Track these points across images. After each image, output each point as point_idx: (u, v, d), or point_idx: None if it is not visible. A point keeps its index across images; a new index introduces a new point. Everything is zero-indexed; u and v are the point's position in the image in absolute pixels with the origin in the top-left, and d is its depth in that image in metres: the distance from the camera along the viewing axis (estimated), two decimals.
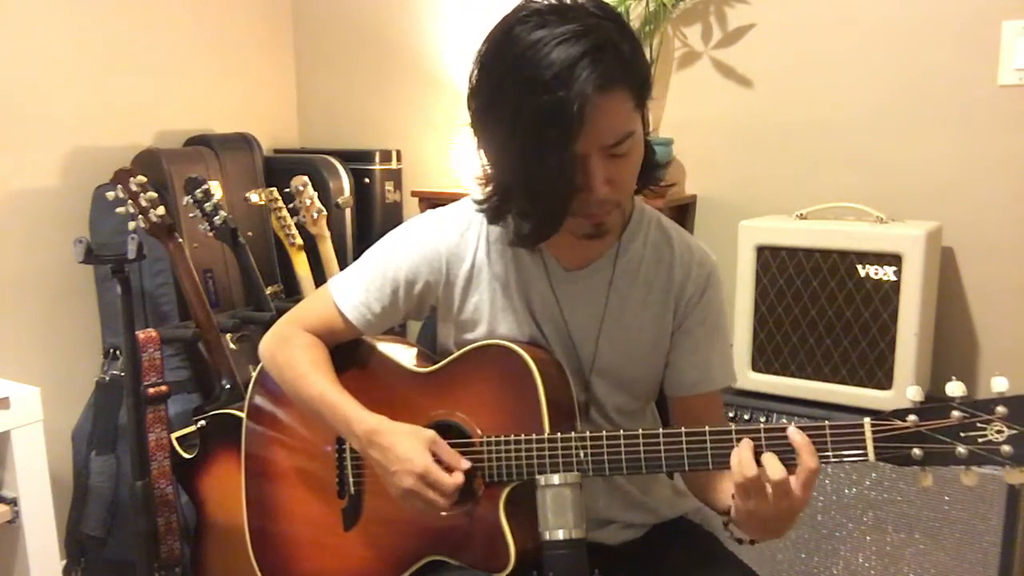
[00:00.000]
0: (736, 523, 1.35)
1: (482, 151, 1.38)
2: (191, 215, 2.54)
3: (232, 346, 2.64)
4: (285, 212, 2.83)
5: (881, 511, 2.16)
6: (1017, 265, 2.34)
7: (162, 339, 2.45)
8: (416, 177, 3.30)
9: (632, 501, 1.59)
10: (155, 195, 2.42)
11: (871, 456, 1.19)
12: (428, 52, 3.24)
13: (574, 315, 1.51)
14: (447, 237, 1.53)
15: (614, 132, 1.28)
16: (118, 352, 2.71)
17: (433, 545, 1.47)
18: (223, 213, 2.55)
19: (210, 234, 2.56)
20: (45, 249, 2.78)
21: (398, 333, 1.73)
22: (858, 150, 2.52)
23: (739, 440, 1.26)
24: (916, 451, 1.17)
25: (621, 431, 1.33)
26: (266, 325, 1.85)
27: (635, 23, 2.64)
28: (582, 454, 1.34)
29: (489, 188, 1.43)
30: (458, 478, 1.37)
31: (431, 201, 2.87)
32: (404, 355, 1.60)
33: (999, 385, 1.13)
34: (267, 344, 1.62)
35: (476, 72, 1.32)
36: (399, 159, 3.29)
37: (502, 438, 1.39)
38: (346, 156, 3.21)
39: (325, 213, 2.85)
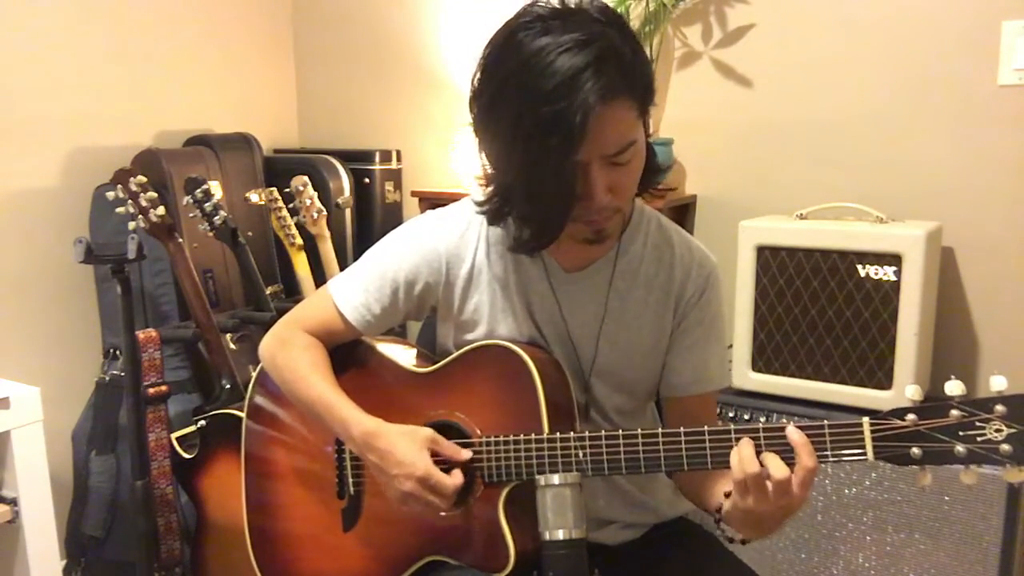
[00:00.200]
0: (729, 521, 1.35)
1: (483, 153, 1.38)
2: (191, 215, 2.54)
3: (232, 346, 2.64)
4: (285, 212, 2.83)
5: (881, 511, 2.16)
6: (1017, 265, 2.34)
7: (162, 339, 2.44)
8: (416, 177, 3.30)
9: (632, 501, 1.59)
10: (155, 195, 2.42)
11: (870, 455, 1.19)
12: (428, 52, 3.24)
13: (574, 316, 1.51)
14: (447, 238, 1.53)
15: (616, 142, 1.28)
16: (118, 352, 2.71)
17: (433, 545, 1.47)
18: (223, 213, 2.55)
19: (210, 234, 2.56)
20: (45, 249, 2.78)
21: (398, 333, 1.73)
22: (858, 150, 2.51)
23: (738, 440, 1.26)
24: (915, 450, 1.17)
25: (620, 431, 1.33)
26: (266, 325, 1.85)
27: (635, 23, 2.63)
28: (581, 454, 1.34)
29: (490, 189, 1.43)
30: (458, 480, 1.37)
31: (431, 201, 2.87)
32: (403, 355, 1.60)
33: (998, 384, 1.13)
34: (267, 345, 1.62)
35: (479, 76, 1.32)
36: (399, 159, 3.29)
37: (501, 438, 1.39)
38: (346, 156, 3.20)
39: (325, 213, 2.85)
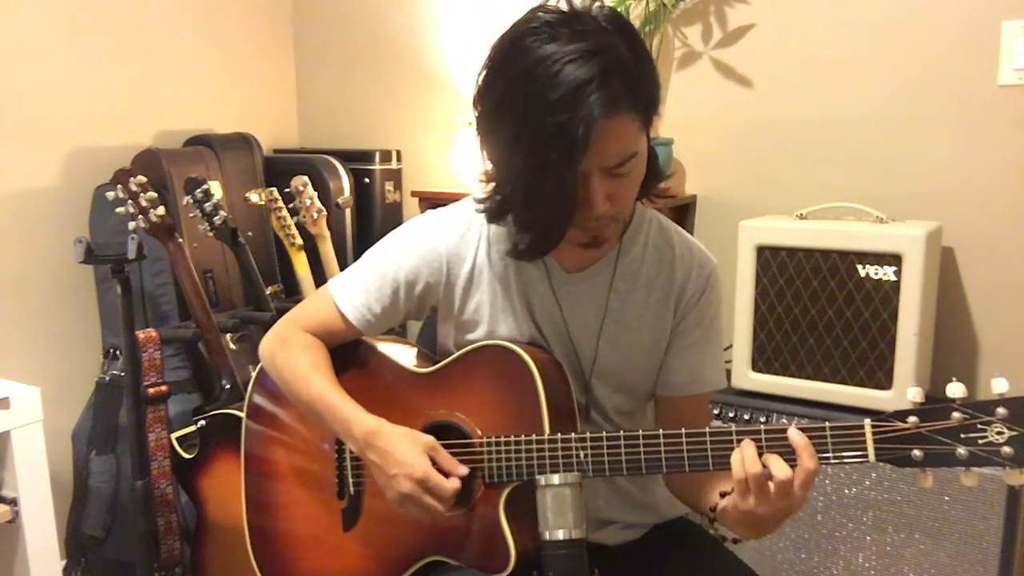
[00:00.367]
0: (725, 521, 1.35)
1: (484, 153, 1.38)
2: (191, 215, 2.54)
3: (232, 346, 2.64)
4: (285, 212, 2.82)
5: (881, 511, 2.16)
6: (1017, 265, 2.34)
7: (162, 339, 2.44)
8: (416, 177, 3.30)
9: (632, 501, 1.59)
10: (155, 195, 2.42)
11: (871, 457, 1.19)
12: (428, 52, 3.23)
13: (574, 317, 1.51)
14: (448, 238, 1.53)
15: (618, 154, 1.28)
16: (118, 352, 2.71)
17: (433, 545, 1.47)
18: (223, 213, 2.55)
19: (210, 234, 2.55)
20: (45, 249, 2.78)
21: (398, 333, 1.73)
22: (858, 150, 2.51)
23: (739, 441, 1.26)
24: (916, 452, 1.17)
25: (621, 432, 1.33)
26: (266, 325, 1.85)
27: (635, 23, 2.62)
28: (582, 455, 1.34)
29: (490, 187, 1.43)
30: (455, 483, 1.37)
31: (431, 201, 2.87)
32: (404, 355, 1.60)
33: (999, 386, 1.13)
34: (267, 345, 1.62)
35: (484, 76, 1.31)
36: (399, 159, 3.29)
37: (502, 439, 1.39)
38: (346, 156, 3.20)
39: (325, 213, 2.85)
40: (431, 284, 1.53)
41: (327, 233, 2.86)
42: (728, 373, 2.36)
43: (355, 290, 1.55)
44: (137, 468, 2.30)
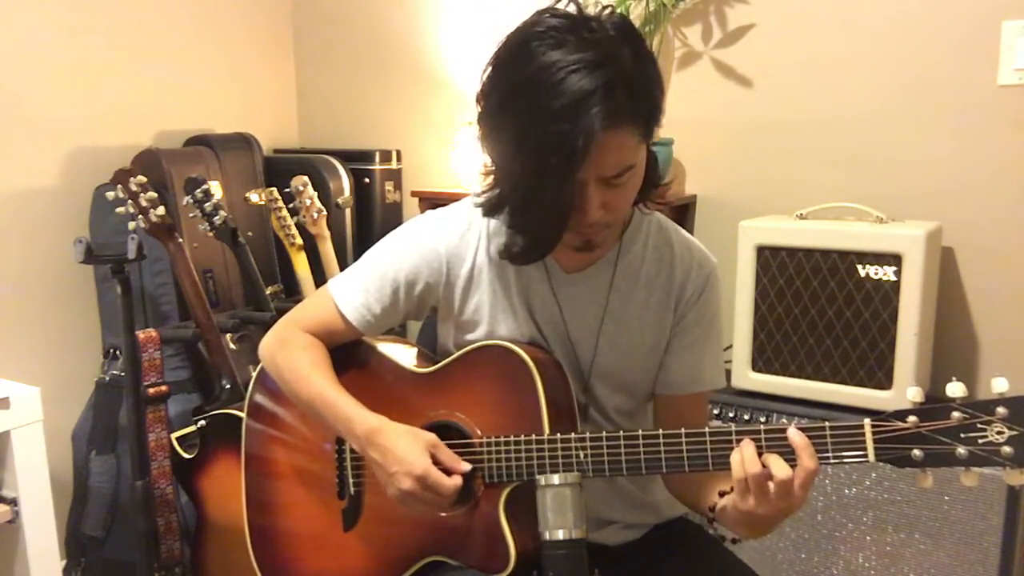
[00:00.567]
0: (724, 521, 1.35)
1: (485, 151, 1.38)
2: (191, 215, 2.54)
3: (232, 346, 2.64)
4: (285, 212, 2.82)
5: (881, 511, 2.16)
6: (1017, 265, 2.34)
7: (162, 339, 2.44)
8: (416, 177, 3.30)
9: (633, 501, 1.60)
10: (155, 195, 2.42)
11: (871, 457, 1.19)
12: (428, 52, 3.23)
13: (574, 317, 1.51)
14: (447, 238, 1.53)
15: (616, 166, 1.28)
16: (118, 352, 2.71)
17: (433, 545, 1.47)
18: (223, 213, 2.55)
19: (210, 234, 2.55)
20: (45, 249, 2.78)
21: (398, 333, 1.73)
22: (858, 150, 2.51)
23: (739, 441, 1.26)
24: (916, 452, 1.17)
25: (621, 432, 1.33)
26: (266, 325, 1.85)
27: (635, 23, 2.62)
28: (582, 455, 1.34)
29: (488, 181, 1.44)
30: (456, 481, 1.37)
31: (431, 201, 2.87)
32: (404, 355, 1.60)
33: (999, 386, 1.13)
34: (267, 345, 1.62)
35: (488, 75, 1.31)
36: (399, 159, 3.29)
37: (502, 439, 1.39)
38: (346, 156, 3.20)
39: (325, 213, 2.85)
40: (431, 284, 1.53)
41: (327, 233, 2.86)
42: (728, 373, 2.37)
43: (355, 290, 1.55)
44: (137, 468, 2.30)
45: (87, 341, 2.89)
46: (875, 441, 1.19)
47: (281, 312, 1.73)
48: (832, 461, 1.22)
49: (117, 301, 2.26)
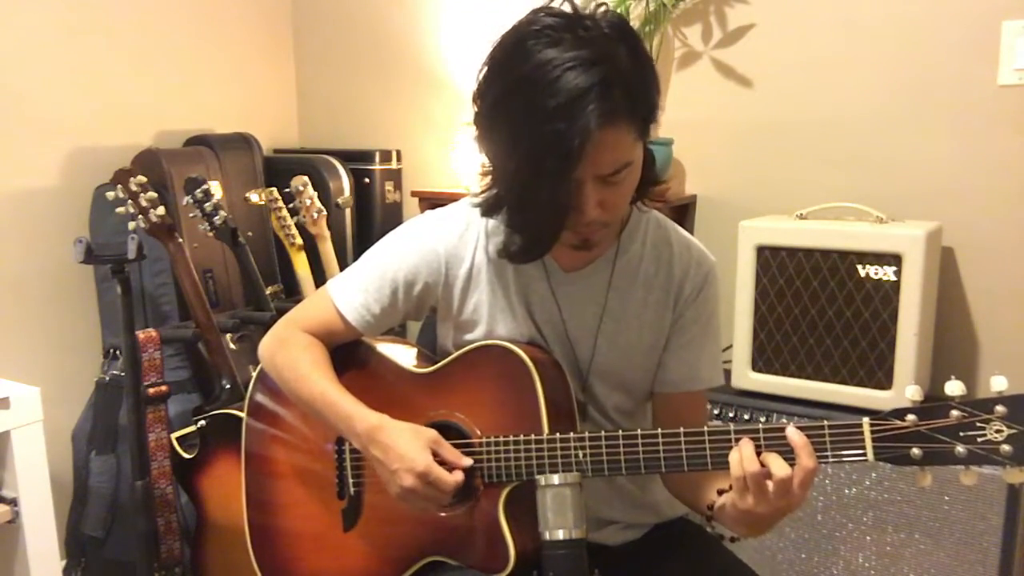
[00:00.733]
0: (722, 519, 1.35)
1: (482, 151, 1.38)
2: (191, 215, 2.54)
3: (232, 346, 2.64)
4: (285, 212, 2.82)
5: (881, 511, 2.16)
6: (1017, 265, 2.34)
7: (162, 339, 2.44)
8: (416, 177, 3.30)
9: (633, 501, 1.60)
10: (155, 195, 2.42)
11: (870, 456, 1.19)
12: (428, 52, 3.23)
13: (573, 316, 1.51)
14: (446, 238, 1.53)
15: (612, 164, 1.28)
16: (118, 352, 2.71)
17: (433, 545, 1.47)
18: (223, 213, 2.55)
19: (210, 234, 2.56)
20: (45, 249, 2.78)
21: (398, 333, 1.73)
22: (858, 150, 2.51)
23: (738, 440, 1.26)
24: (915, 451, 1.17)
25: (620, 431, 1.33)
26: (266, 325, 1.85)
27: (635, 23, 2.63)
28: (581, 454, 1.34)
29: (487, 181, 1.44)
30: (458, 477, 1.37)
31: (431, 201, 2.87)
32: (403, 355, 1.60)
33: (998, 384, 1.13)
34: (266, 346, 1.62)
35: (484, 75, 1.31)
36: (399, 159, 3.29)
37: (501, 438, 1.39)
38: (346, 156, 3.20)
39: (325, 213, 2.85)
40: (430, 284, 1.54)
41: (327, 233, 2.86)
42: (728, 373, 2.36)
43: (354, 291, 1.55)
44: (137, 468, 2.30)
45: (87, 341, 2.89)
46: (874, 440, 1.19)
47: (281, 312, 1.73)
48: (831, 460, 1.22)
49: (117, 301, 2.25)
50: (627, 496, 1.59)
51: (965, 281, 2.41)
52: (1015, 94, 2.29)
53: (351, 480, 1.56)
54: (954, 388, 1.16)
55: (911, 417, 1.17)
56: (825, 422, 1.22)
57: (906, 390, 1.19)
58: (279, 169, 3.09)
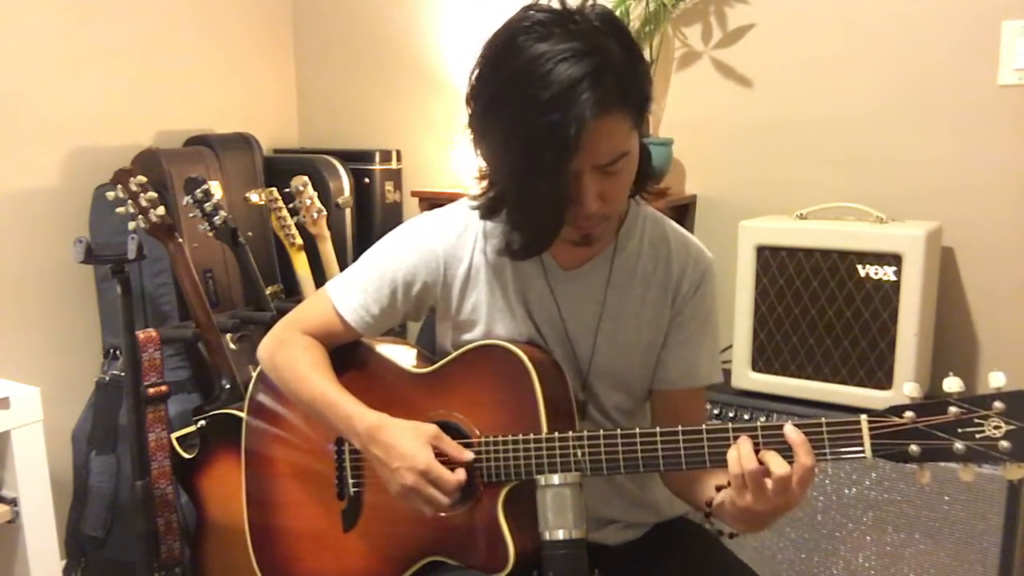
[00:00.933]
0: (721, 516, 1.35)
1: (478, 152, 1.39)
2: (191, 215, 2.54)
3: (232, 346, 2.64)
4: (285, 212, 2.83)
5: (881, 511, 2.16)
6: (1017, 265, 2.34)
7: (162, 339, 2.44)
8: (416, 177, 3.30)
9: (632, 499, 1.60)
10: (155, 195, 2.42)
11: (868, 453, 1.19)
12: (428, 52, 3.24)
13: (572, 314, 1.51)
14: (444, 238, 1.53)
15: (609, 153, 1.28)
16: (118, 352, 2.71)
17: (432, 545, 1.47)
18: (223, 213, 2.55)
19: (210, 234, 2.56)
20: (45, 249, 2.78)
21: (397, 334, 1.73)
22: (858, 150, 2.51)
23: (736, 438, 1.26)
24: (913, 447, 1.16)
25: (618, 430, 1.33)
26: (266, 325, 1.85)
27: (635, 23, 2.64)
28: (579, 453, 1.34)
29: (484, 184, 1.44)
30: (460, 475, 1.37)
31: (431, 201, 2.87)
32: (402, 356, 1.60)
33: (997, 380, 1.13)
34: (266, 347, 1.62)
35: (476, 75, 1.33)
36: (399, 159, 3.29)
37: (500, 438, 1.39)
38: (346, 156, 3.20)
39: (325, 213, 2.85)
40: (428, 284, 1.54)
41: (327, 233, 2.87)
42: (728, 373, 2.36)
43: (353, 292, 1.55)
44: (137, 468, 2.30)
45: (87, 341, 2.89)
46: (872, 437, 1.19)
47: (281, 312, 1.73)
48: (829, 458, 1.21)
49: (117, 301, 2.25)
50: (627, 495, 1.59)
51: (965, 281, 2.41)
52: (1015, 94, 2.29)
53: (351, 480, 1.56)
54: (952, 384, 1.15)
55: (909, 414, 1.17)
56: (823, 419, 1.22)
57: (904, 387, 1.19)
58: (279, 169, 3.09)
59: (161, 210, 2.41)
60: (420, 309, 1.59)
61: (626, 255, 1.51)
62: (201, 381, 2.72)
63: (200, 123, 3.19)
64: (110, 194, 2.43)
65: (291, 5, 3.55)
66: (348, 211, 3.13)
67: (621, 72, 1.25)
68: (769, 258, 2.30)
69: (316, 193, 2.85)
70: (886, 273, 2.16)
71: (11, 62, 2.68)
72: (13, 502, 2.31)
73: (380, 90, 3.38)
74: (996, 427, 1.12)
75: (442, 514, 1.43)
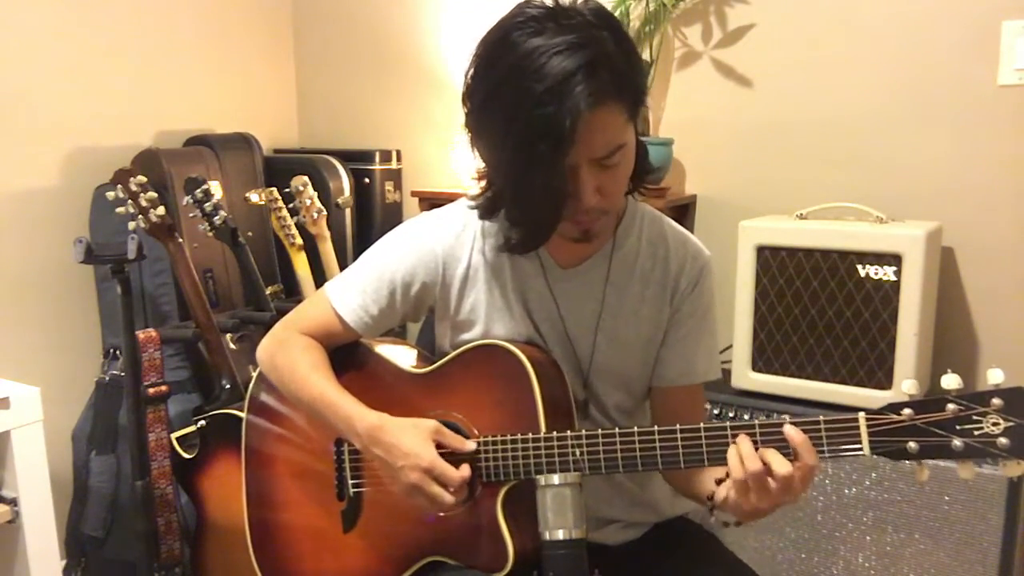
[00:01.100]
0: (724, 508, 1.35)
1: (476, 150, 1.39)
2: (191, 215, 2.54)
3: (232, 346, 2.64)
4: (285, 212, 2.83)
5: (881, 511, 2.16)
6: (1017, 265, 2.34)
7: (162, 339, 2.45)
8: (416, 177, 3.30)
9: (632, 499, 1.59)
10: (155, 195, 2.42)
11: (866, 450, 1.19)
12: (428, 52, 3.24)
13: (571, 312, 1.51)
14: (443, 238, 1.53)
15: (605, 146, 1.29)
16: (118, 352, 2.71)
17: (432, 545, 1.47)
18: (223, 213, 2.55)
19: (210, 234, 2.56)
20: (45, 249, 2.78)
21: (397, 334, 1.73)
22: (858, 150, 2.51)
23: (735, 436, 1.26)
24: (912, 445, 1.16)
25: (616, 429, 1.33)
26: (266, 325, 1.85)
27: (635, 23, 2.64)
28: (577, 452, 1.34)
29: (483, 183, 1.44)
30: (464, 471, 1.37)
31: (431, 201, 2.87)
32: (401, 356, 1.60)
33: (995, 377, 1.12)
34: (265, 348, 1.62)
35: (472, 73, 1.33)
36: (399, 159, 3.29)
37: (498, 438, 1.39)
38: (346, 156, 3.21)
39: (325, 213, 2.85)
40: (427, 284, 1.54)
41: (327, 233, 2.87)
42: (728, 373, 2.37)
43: (352, 292, 1.55)
44: (137, 468, 2.30)
45: (87, 341, 2.89)
46: (870, 434, 1.19)
47: (281, 312, 1.73)
48: (827, 455, 1.22)
49: (117, 301, 2.26)
50: (627, 494, 1.59)
51: (965, 281, 2.41)
52: (1015, 94, 2.29)
53: (351, 480, 1.56)
54: (950, 382, 1.15)
55: (907, 411, 1.17)
56: (821, 417, 1.22)
57: (902, 384, 1.19)
58: (279, 169, 3.10)
59: (161, 210, 2.42)
60: (419, 309, 1.59)
61: (624, 253, 1.51)
62: (201, 381, 2.72)
63: (200, 123, 3.19)
64: (110, 194, 2.44)
65: (291, 5, 3.56)
66: (348, 211, 3.13)
67: (615, 64, 1.25)
68: (769, 258, 2.30)
69: (316, 193, 2.85)
70: (886, 273, 2.16)
71: (11, 62, 2.69)
72: (13, 502, 2.31)
73: (380, 90, 3.38)
74: (995, 424, 1.12)
75: (441, 514, 1.43)
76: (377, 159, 3.20)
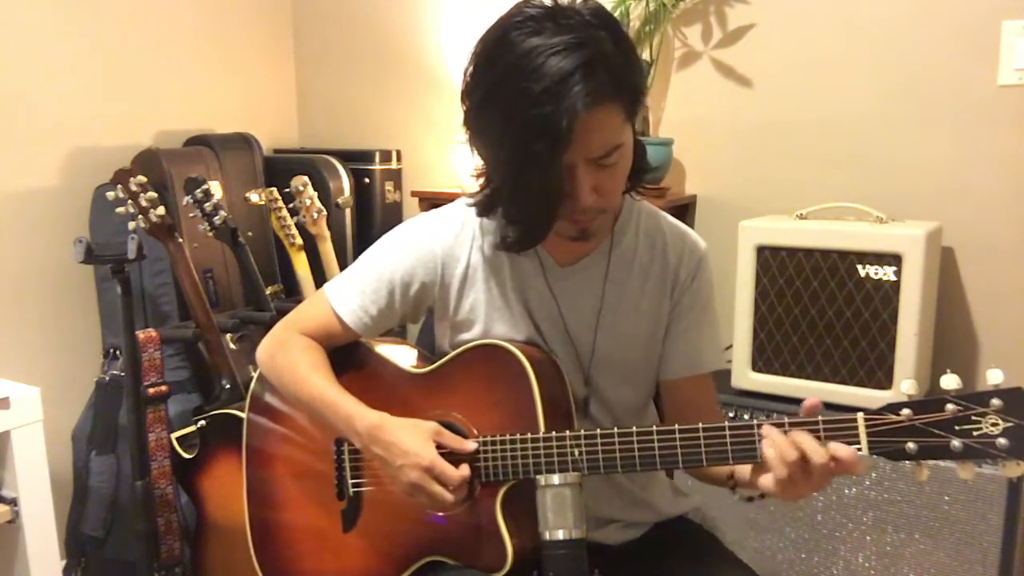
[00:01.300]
0: (748, 486, 1.35)
1: (474, 149, 1.39)
2: (191, 215, 2.54)
3: (232, 346, 2.64)
4: (285, 212, 2.83)
5: (881, 511, 2.16)
6: (1017, 265, 2.34)
7: (162, 339, 2.45)
8: (416, 177, 3.30)
9: (632, 499, 1.59)
10: (155, 195, 2.42)
11: (865, 450, 1.19)
12: (428, 52, 3.24)
13: (571, 310, 1.52)
14: (442, 238, 1.53)
15: (602, 145, 1.29)
16: (118, 352, 2.71)
17: (431, 545, 1.47)
18: (223, 213, 2.55)
19: (210, 234, 2.56)
20: (45, 249, 2.78)
21: (397, 334, 1.73)
22: (858, 150, 2.51)
23: (734, 436, 1.26)
24: (910, 445, 1.16)
25: (615, 428, 1.33)
26: (266, 325, 1.85)
27: (635, 23, 2.64)
28: (576, 452, 1.34)
29: (481, 181, 1.45)
30: (464, 471, 1.37)
31: (431, 201, 2.87)
32: (400, 356, 1.60)
33: (995, 377, 1.12)
34: (265, 348, 1.62)
35: (470, 72, 1.33)
36: (399, 159, 3.29)
37: (498, 438, 1.39)
38: (346, 156, 3.21)
39: (325, 213, 2.85)
40: (426, 284, 1.54)
41: (327, 233, 2.87)
42: (728, 373, 2.37)
43: (351, 293, 1.55)
44: (137, 468, 2.30)
45: (87, 341, 2.89)
46: (868, 435, 1.19)
47: (281, 312, 1.73)
48: None
49: (117, 301, 2.26)
50: (627, 494, 1.59)
51: (965, 281, 2.41)
52: (1015, 94, 2.29)
53: (350, 480, 1.56)
54: (949, 382, 1.14)
55: (906, 411, 1.17)
56: (820, 417, 1.22)
57: (902, 384, 1.19)
58: (279, 169, 3.10)
59: (161, 210, 2.42)
60: (418, 310, 1.59)
61: (622, 249, 1.52)
62: (201, 381, 2.72)
63: (200, 123, 3.19)
64: (110, 194, 2.44)
65: (291, 5, 3.56)
66: (348, 211, 3.13)
67: (613, 64, 1.25)
68: (769, 258, 2.30)
69: (316, 193, 2.84)
70: (886, 273, 2.16)
71: (11, 62, 2.69)
72: (13, 502, 2.31)
73: (380, 90, 3.38)
74: (994, 424, 1.11)
75: (440, 513, 1.43)
76: (377, 159, 3.20)
